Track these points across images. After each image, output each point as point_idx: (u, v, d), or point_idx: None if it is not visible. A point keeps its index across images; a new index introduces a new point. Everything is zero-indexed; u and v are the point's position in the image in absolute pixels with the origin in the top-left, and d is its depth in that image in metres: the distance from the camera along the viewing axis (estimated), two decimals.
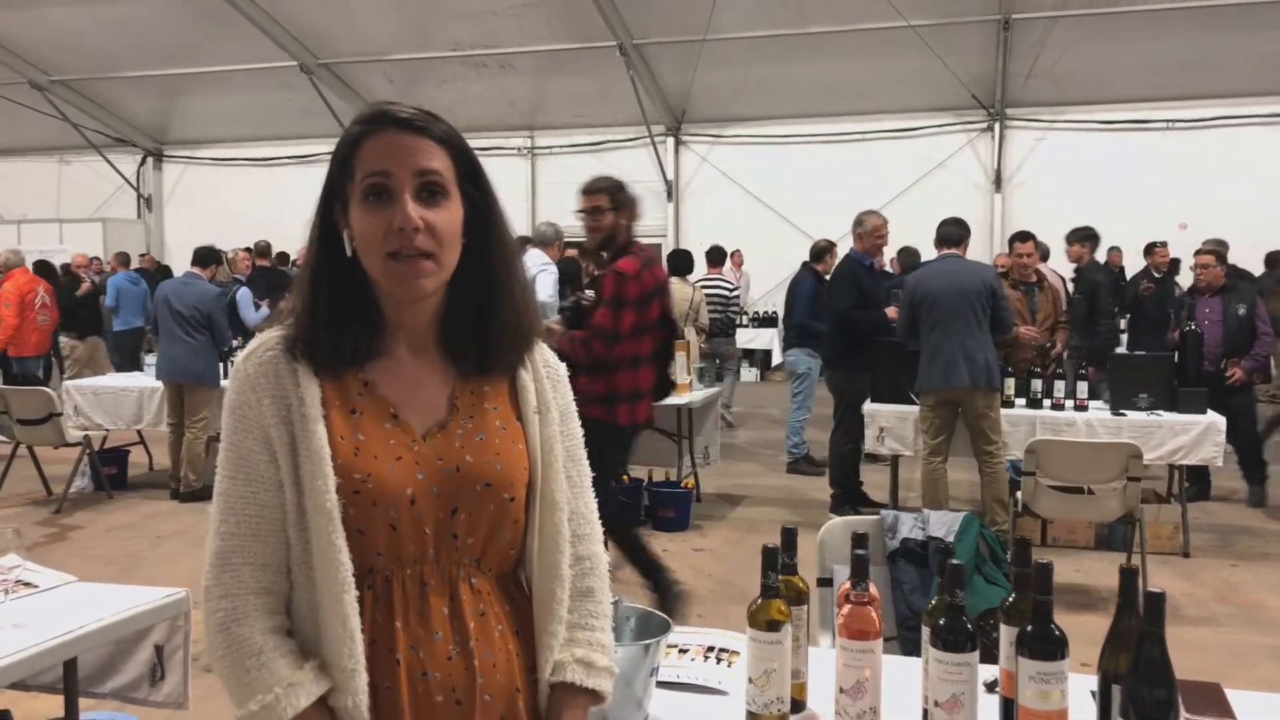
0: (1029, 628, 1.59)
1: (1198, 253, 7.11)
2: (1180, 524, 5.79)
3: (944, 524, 3.09)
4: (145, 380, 7.63)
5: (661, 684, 1.93)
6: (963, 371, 5.57)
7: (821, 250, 8.05)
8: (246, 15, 13.61)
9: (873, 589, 1.84)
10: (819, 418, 8.91)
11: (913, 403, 5.89)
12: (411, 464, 1.29)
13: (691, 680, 1.97)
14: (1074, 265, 8.85)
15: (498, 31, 13.73)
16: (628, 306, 4.23)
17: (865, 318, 6.55)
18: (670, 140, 15.70)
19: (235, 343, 7.39)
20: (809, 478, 7.87)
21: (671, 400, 6.56)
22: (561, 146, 16.18)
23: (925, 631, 1.69)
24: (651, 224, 16.01)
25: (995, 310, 5.67)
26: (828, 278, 7.78)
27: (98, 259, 12.34)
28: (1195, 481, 6.83)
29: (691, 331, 9.36)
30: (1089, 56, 12.97)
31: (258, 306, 9.11)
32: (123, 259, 12.81)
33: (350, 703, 1.21)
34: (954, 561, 1.65)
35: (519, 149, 16.34)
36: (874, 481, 7.00)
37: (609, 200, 4.27)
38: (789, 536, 1.88)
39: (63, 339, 11.44)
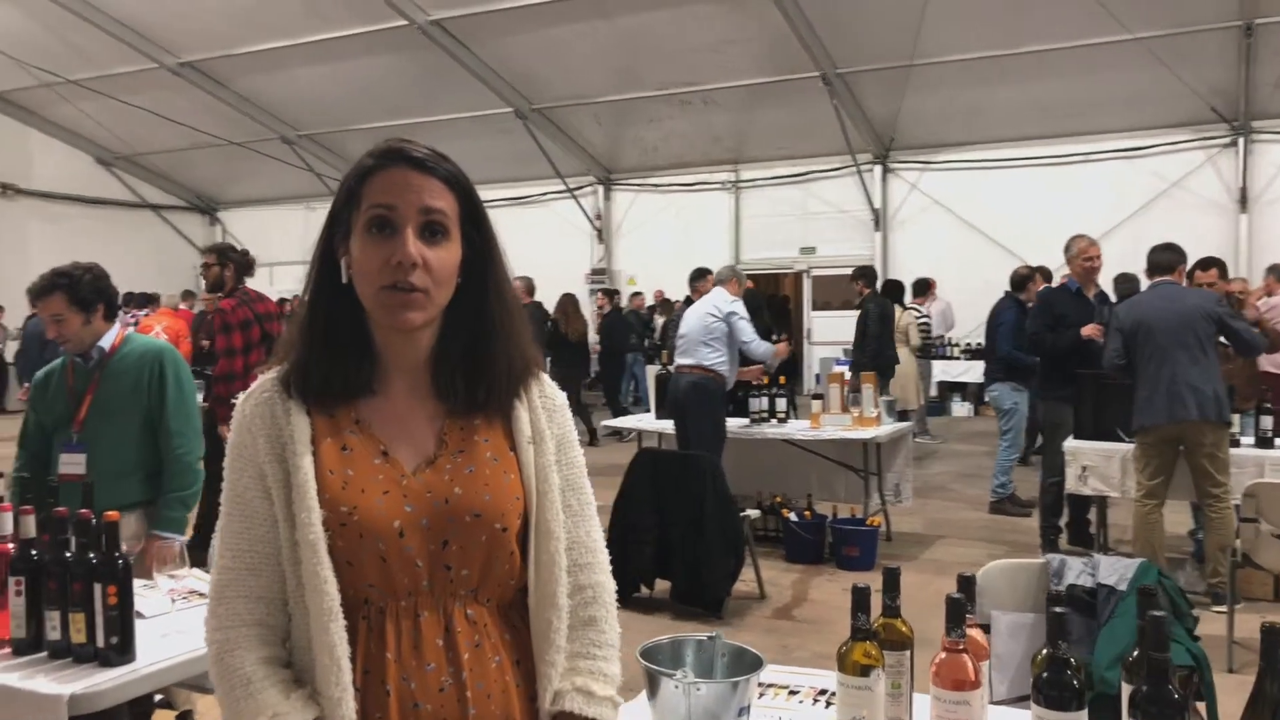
0: (1142, 687, 1.43)
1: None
2: None
3: (1116, 571, 2.83)
4: None
5: None
6: (1190, 404, 5.11)
7: (1023, 278, 7.62)
8: (467, 67, 14.45)
9: (976, 635, 1.71)
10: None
11: (1118, 439, 5.45)
12: (399, 497, 1.30)
13: None
14: None
15: (701, 68, 13.91)
16: (234, 330, 5.57)
17: (1050, 340, 6.19)
18: (878, 168, 15.34)
19: None
20: (1014, 519, 7.43)
21: (858, 433, 6.38)
22: (765, 179, 16.15)
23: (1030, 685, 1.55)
24: (858, 253, 15.69)
25: (1232, 335, 5.25)
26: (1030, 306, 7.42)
27: None
28: None
29: (905, 353, 9.20)
30: None
31: None
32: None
33: None
34: (1056, 609, 1.51)
35: (723, 183, 16.44)
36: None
37: (216, 258, 5.77)
38: (891, 576, 1.78)
39: None
